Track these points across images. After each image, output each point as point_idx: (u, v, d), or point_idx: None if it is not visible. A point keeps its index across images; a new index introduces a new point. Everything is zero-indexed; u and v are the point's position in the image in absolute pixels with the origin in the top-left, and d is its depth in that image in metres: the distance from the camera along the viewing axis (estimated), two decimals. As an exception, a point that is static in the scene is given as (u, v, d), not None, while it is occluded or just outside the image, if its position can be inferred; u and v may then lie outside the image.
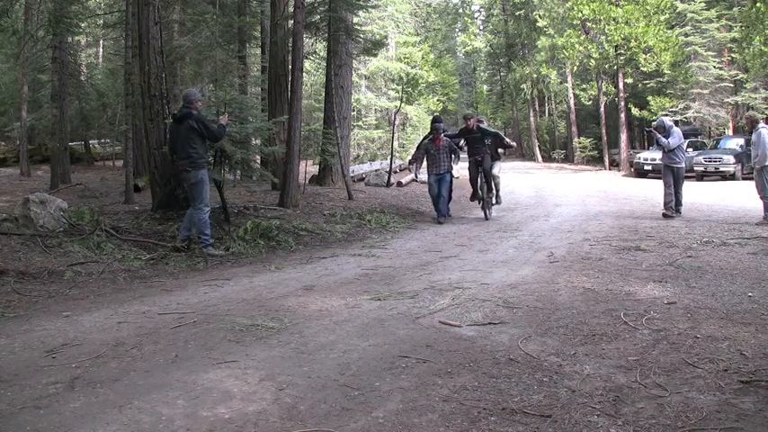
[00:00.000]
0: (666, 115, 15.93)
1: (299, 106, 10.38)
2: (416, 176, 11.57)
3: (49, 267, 5.59)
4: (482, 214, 10.15)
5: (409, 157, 16.88)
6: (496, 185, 10.49)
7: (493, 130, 11.16)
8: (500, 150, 10.79)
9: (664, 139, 9.47)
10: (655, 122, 10.25)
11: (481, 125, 10.23)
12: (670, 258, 5.89)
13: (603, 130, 25.72)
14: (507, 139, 11.08)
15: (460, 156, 10.49)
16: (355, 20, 15.02)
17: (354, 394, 2.74)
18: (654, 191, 14.34)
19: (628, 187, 16.17)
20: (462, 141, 10.29)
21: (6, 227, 6.58)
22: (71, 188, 13.19)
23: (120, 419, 2.52)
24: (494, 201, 10.46)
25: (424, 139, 10.80)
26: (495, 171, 10.33)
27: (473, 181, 10.11)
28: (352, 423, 2.47)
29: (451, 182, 10.20)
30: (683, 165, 9.69)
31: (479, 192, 10.03)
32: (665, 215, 9.27)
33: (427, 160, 10.17)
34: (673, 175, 9.44)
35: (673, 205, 9.38)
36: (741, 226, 8.05)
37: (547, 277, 5.17)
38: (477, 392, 2.75)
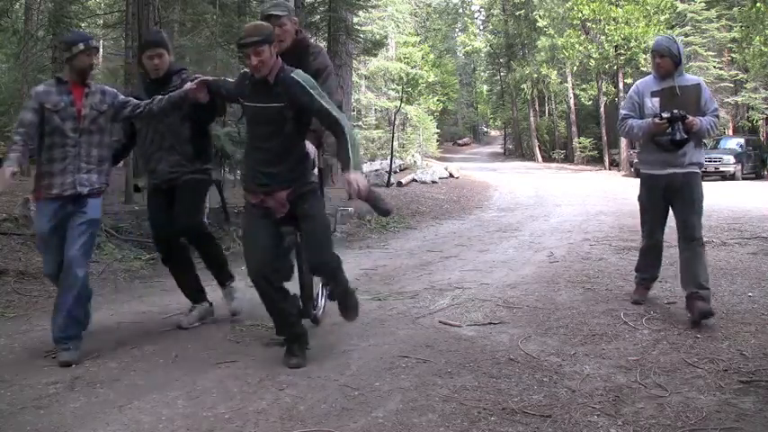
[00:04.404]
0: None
1: (299, 106, 10.36)
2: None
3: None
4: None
5: None
6: (336, 280, 3.28)
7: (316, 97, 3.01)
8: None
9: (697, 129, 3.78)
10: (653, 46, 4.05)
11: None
12: (670, 258, 5.86)
13: (603, 130, 25.70)
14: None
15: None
16: (355, 20, 15.02)
17: (354, 394, 2.74)
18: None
19: (628, 187, 16.13)
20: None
21: (6, 227, 6.57)
22: (71, 188, 13.17)
23: (120, 419, 2.52)
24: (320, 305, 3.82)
25: None
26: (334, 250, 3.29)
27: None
28: (352, 423, 2.47)
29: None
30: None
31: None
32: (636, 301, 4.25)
33: (39, 161, 3.38)
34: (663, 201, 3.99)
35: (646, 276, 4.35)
36: (741, 226, 8.04)
37: (547, 277, 5.17)
38: (477, 392, 2.75)
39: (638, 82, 4.10)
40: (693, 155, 3.85)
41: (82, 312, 3.32)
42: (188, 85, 3.39)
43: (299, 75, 3.00)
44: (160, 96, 3.47)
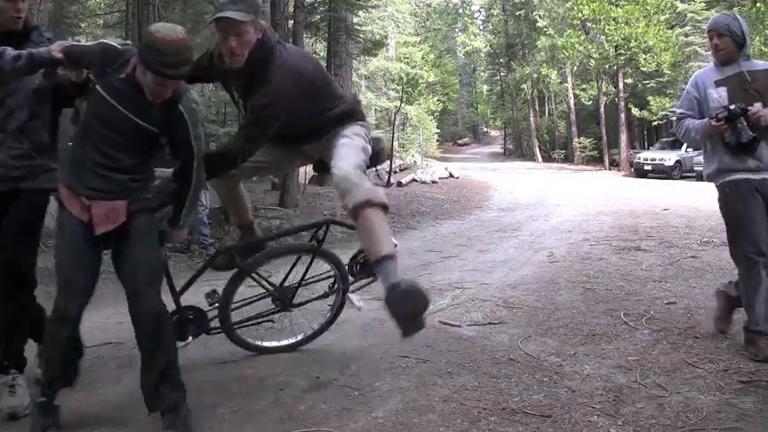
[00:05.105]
0: None
1: (299, 106, 10.35)
2: None
3: (50, 267, 5.57)
4: None
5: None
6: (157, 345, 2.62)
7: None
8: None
9: None
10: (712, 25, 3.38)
11: None
12: (670, 258, 5.89)
13: (603, 130, 25.72)
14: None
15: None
16: (355, 20, 15.01)
17: (354, 394, 2.75)
18: (653, 191, 14.35)
19: (628, 187, 16.15)
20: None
21: (6, 227, 6.56)
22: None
23: (121, 419, 2.52)
24: None
25: None
26: None
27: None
28: (352, 423, 2.47)
29: None
30: None
31: None
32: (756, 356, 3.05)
33: None
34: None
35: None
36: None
37: (547, 277, 5.17)
38: (477, 392, 2.75)
39: (696, 74, 3.43)
40: None
41: None
42: (55, 48, 2.38)
43: (185, 105, 2.38)
44: (12, 50, 2.36)
